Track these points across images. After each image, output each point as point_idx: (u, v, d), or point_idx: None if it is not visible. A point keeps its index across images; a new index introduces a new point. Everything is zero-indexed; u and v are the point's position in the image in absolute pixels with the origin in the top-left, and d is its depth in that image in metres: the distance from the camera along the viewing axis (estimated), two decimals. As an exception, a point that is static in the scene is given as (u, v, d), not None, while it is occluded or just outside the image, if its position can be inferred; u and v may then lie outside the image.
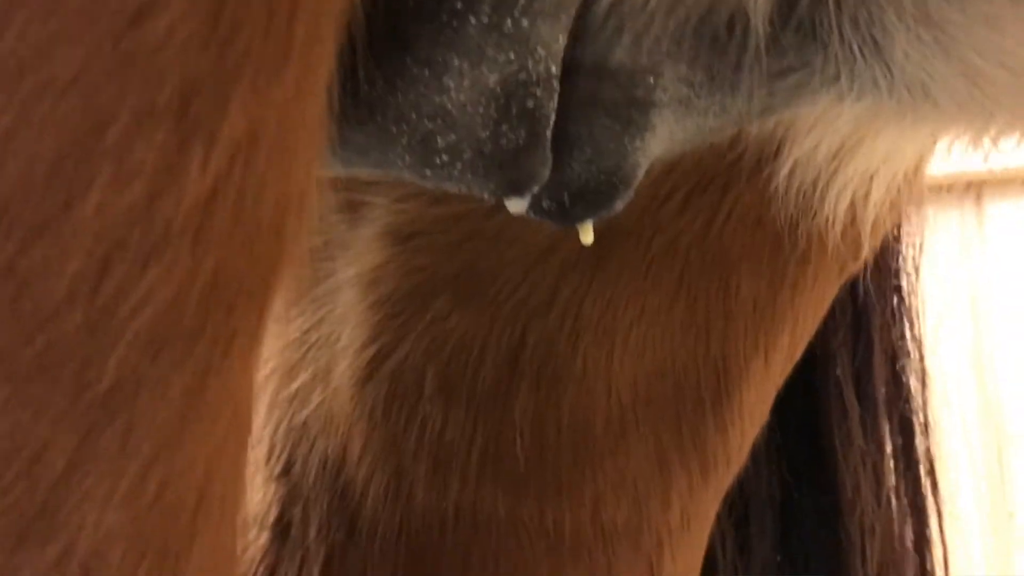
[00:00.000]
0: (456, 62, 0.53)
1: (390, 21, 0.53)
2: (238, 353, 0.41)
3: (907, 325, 1.16)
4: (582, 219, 0.60)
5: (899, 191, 0.74)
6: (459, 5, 0.52)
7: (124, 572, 0.38)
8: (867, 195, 0.69)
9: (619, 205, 0.61)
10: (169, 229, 0.37)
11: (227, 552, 0.44)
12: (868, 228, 0.74)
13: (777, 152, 0.70)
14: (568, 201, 0.59)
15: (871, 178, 0.68)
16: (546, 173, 0.57)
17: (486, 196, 0.57)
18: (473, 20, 0.52)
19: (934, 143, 0.69)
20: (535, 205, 0.60)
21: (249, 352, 0.42)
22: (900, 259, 1.15)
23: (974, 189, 2.02)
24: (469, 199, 0.76)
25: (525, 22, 0.52)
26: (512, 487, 0.77)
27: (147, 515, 0.39)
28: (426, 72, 0.53)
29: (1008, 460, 2.27)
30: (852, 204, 0.70)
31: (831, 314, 1.11)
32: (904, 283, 1.15)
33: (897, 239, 1.13)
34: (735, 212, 0.77)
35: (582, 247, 0.76)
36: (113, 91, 0.36)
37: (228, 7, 0.37)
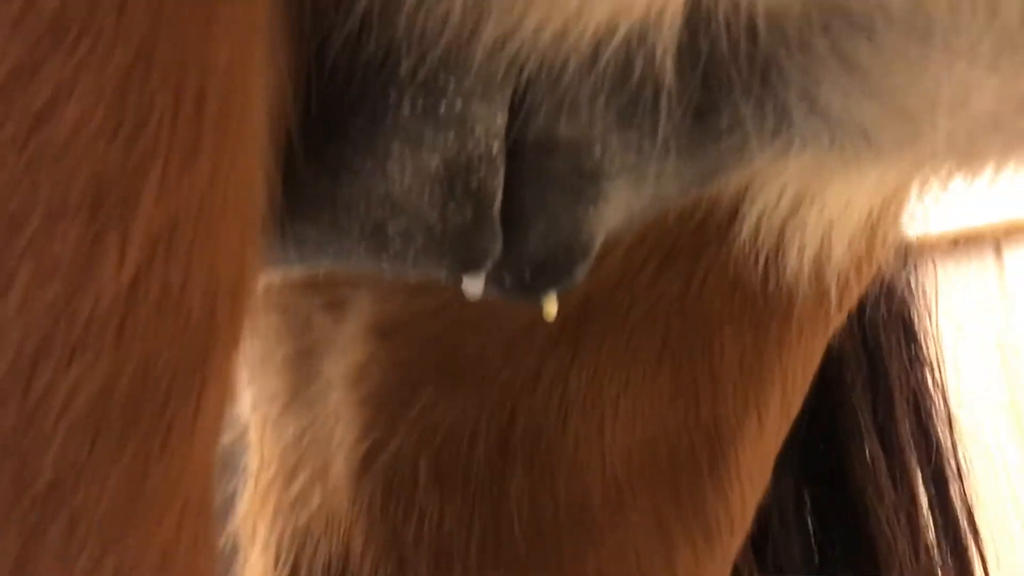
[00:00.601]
0: (396, 149, 0.53)
1: (327, 115, 0.53)
2: (179, 441, 0.41)
3: (928, 373, 1.14)
4: (544, 292, 0.60)
5: (868, 241, 0.73)
6: (392, 94, 0.52)
7: None
8: (829, 247, 0.68)
9: (580, 275, 0.61)
10: (90, 324, 0.38)
11: None
12: (838, 280, 0.73)
13: (738, 212, 0.70)
14: (529, 276, 0.59)
15: (831, 230, 0.67)
16: (497, 249, 0.58)
17: (443, 278, 0.58)
18: (408, 108, 0.52)
19: (893, 189, 0.68)
20: (498, 283, 0.60)
21: (192, 439, 0.42)
22: (913, 309, 1.14)
23: (992, 240, 2.00)
24: (446, 290, 0.77)
25: (459, 104, 0.53)
26: (514, 571, 0.76)
27: None
28: (368, 162, 0.53)
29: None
30: (818, 257, 0.70)
31: (846, 368, 1.10)
32: (919, 331, 1.13)
33: (909, 288, 1.12)
34: (710, 276, 0.76)
35: (562, 324, 0.76)
36: (25, 191, 0.36)
37: (131, 101, 0.38)
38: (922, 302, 1.13)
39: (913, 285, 1.14)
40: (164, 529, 0.41)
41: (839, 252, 0.69)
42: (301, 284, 0.79)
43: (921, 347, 1.12)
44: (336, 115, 0.53)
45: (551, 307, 0.63)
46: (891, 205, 0.72)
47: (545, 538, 0.76)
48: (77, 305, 0.38)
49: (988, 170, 0.59)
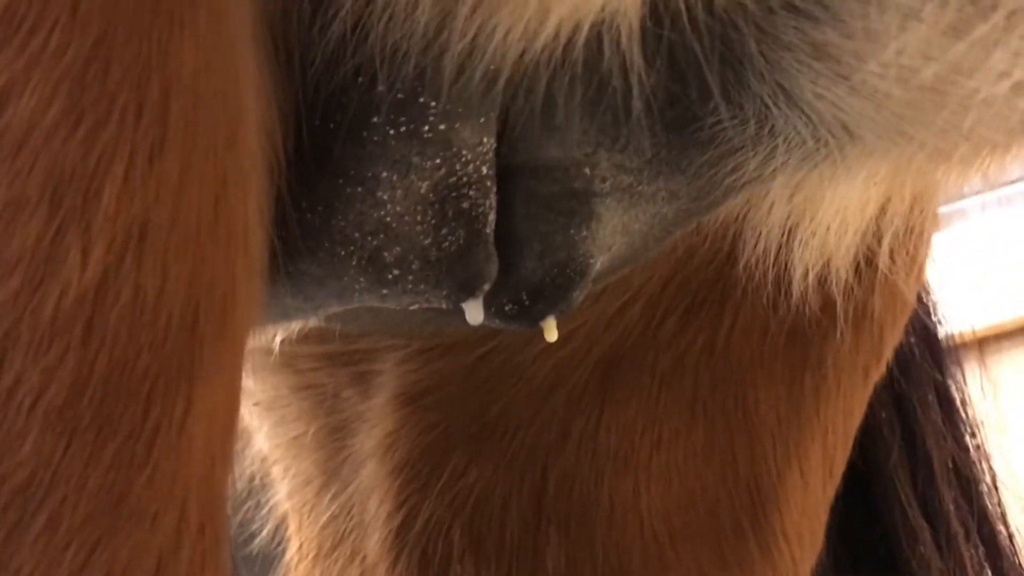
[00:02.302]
0: (385, 175, 0.53)
1: (316, 144, 0.53)
2: (166, 449, 0.39)
3: (968, 436, 1.11)
4: (543, 316, 0.59)
5: (874, 263, 0.71)
6: (376, 119, 0.52)
7: None
8: (833, 263, 0.66)
9: (577, 299, 0.59)
10: (55, 320, 0.37)
11: None
12: (867, 316, 0.71)
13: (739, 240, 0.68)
14: (527, 299, 0.58)
15: (831, 245, 0.66)
16: (493, 271, 0.57)
17: (443, 304, 0.57)
18: (392, 131, 0.52)
19: (887, 191, 0.66)
20: (498, 311, 0.58)
21: (180, 449, 0.40)
22: (946, 370, 1.11)
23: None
24: (469, 347, 0.75)
25: (443, 126, 0.52)
26: (556, 640, 0.73)
27: None
28: (359, 190, 0.53)
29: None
30: (824, 277, 0.68)
31: (881, 437, 1.07)
32: (955, 393, 1.10)
33: (935, 348, 1.09)
34: (738, 324, 0.74)
35: (586, 380, 0.74)
36: None
37: (90, 97, 0.37)
38: (955, 363, 1.10)
39: (946, 347, 1.11)
40: (159, 538, 0.40)
41: (844, 268, 0.67)
42: (325, 356, 0.77)
43: (957, 409, 1.09)
44: (325, 143, 0.53)
45: (551, 332, 0.61)
46: (893, 216, 0.70)
47: (586, 604, 0.73)
48: (41, 299, 0.37)
49: (983, 164, 0.58)
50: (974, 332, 1.14)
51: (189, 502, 0.41)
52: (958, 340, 1.10)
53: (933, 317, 1.11)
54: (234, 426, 0.44)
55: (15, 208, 0.37)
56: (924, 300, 1.08)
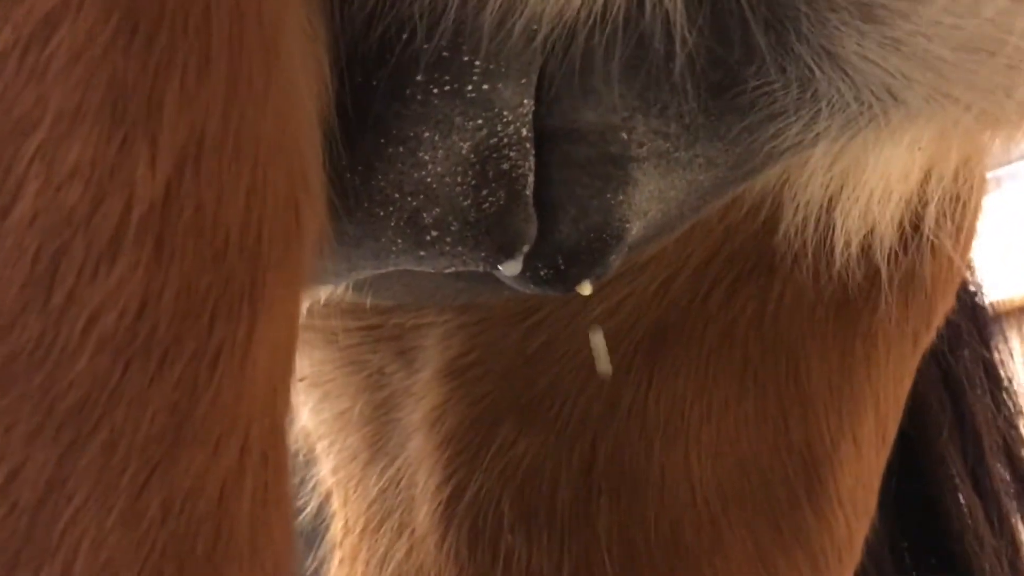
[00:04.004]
0: (428, 135, 0.52)
1: (359, 105, 0.51)
2: (230, 370, 0.38)
3: (1017, 413, 1.08)
4: (579, 281, 0.58)
5: (920, 230, 0.69)
6: (420, 77, 0.51)
7: None
8: (873, 230, 0.65)
9: (614, 263, 0.58)
10: (121, 234, 0.35)
11: None
12: (916, 283, 0.69)
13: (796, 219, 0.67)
14: (563, 264, 0.57)
15: (875, 212, 0.64)
16: (532, 232, 0.56)
17: (480, 267, 0.55)
18: (435, 89, 0.51)
19: (932, 157, 0.64)
20: (534, 276, 0.57)
21: (246, 370, 0.39)
22: (994, 347, 1.09)
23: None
24: (513, 321, 0.73)
25: (485, 86, 0.51)
26: (609, 609, 0.71)
27: (155, 540, 0.36)
28: (400, 149, 0.52)
29: None
30: (869, 244, 0.66)
31: (930, 416, 1.05)
32: (1003, 371, 1.08)
33: (982, 325, 1.07)
34: (787, 294, 0.73)
35: (634, 350, 0.73)
36: (30, 97, 0.34)
37: (143, 6, 0.36)
38: (1003, 340, 1.08)
39: (993, 324, 1.09)
40: (222, 462, 0.38)
41: (889, 236, 0.66)
42: (368, 331, 0.76)
43: (1006, 386, 1.07)
44: (366, 101, 0.52)
45: (585, 289, 0.60)
46: (939, 183, 0.68)
47: (639, 572, 0.71)
48: (104, 213, 0.35)
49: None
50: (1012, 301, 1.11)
51: (252, 429, 0.39)
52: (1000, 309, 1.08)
53: (978, 293, 1.09)
54: (293, 360, 0.43)
55: (72, 119, 0.35)
56: (969, 275, 1.06)
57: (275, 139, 0.40)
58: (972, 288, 1.08)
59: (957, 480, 1.03)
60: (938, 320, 0.79)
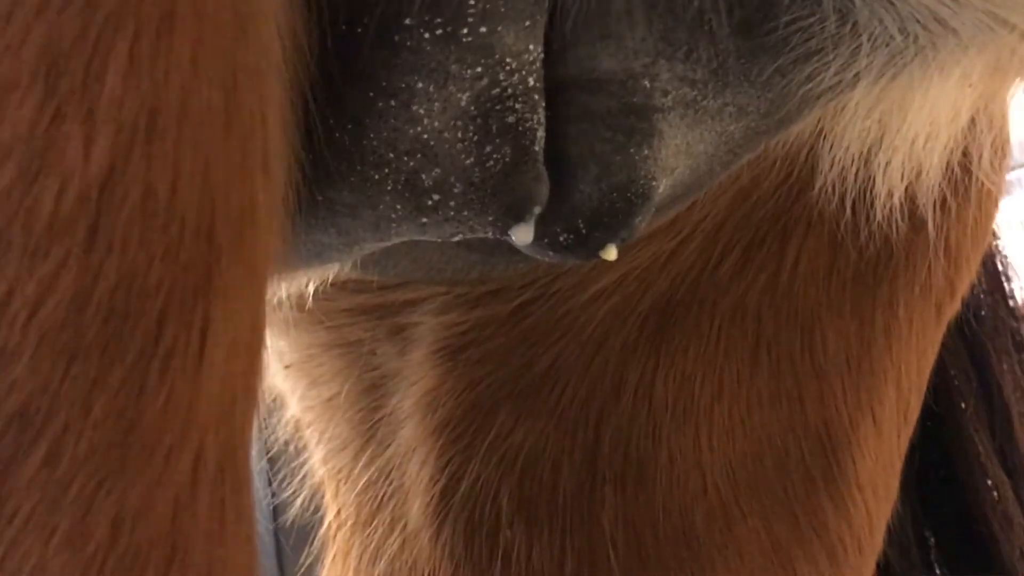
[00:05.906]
0: (421, 86, 0.45)
1: (343, 55, 0.46)
2: (183, 373, 0.34)
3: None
4: (602, 246, 0.52)
5: (964, 179, 0.63)
6: (409, 20, 0.45)
7: None
8: (919, 175, 0.59)
9: (640, 225, 0.52)
10: (54, 220, 0.31)
11: None
12: (946, 247, 0.64)
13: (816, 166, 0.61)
14: (584, 228, 0.51)
15: (918, 164, 0.58)
16: (544, 192, 0.49)
17: (489, 232, 0.49)
18: (427, 34, 0.45)
19: (980, 97, 0.58)
20: (552, 242, 0.51)
21: (201, 373, 0.34)
22: (1021, 318, 1.03)
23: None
24: (512, 293, 0.68)
25: (483, 29, 0.45)
26: (615, 605, 0.66)
27: (103, 563, 0.32)
28: (392, 103, 0.46)
29: None
30: (908, 191, 0.60)
31: (956, 391, 0.99)
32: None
33: (1007, 295, 1.02)
34: (802, 262, 0.67)
35: (640, 326, 0.67)
36: None
37: None
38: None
39: (1019, 296, 1.03)
40: (174, 479, 0.34)
41: (924, 193, 0.60)
42: (359, 310, 0.71)
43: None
44: (352, 51, 0.46)
45: (610, 253, 0.54)
46: (988, 127, 0.62)
47: (647, 567, 0.66)
48: (38, 195, 0.31)
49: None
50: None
51: (207, 439, 0.35)
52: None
53: (1004, 261, 1.04)
54: (259, 360, 0.38)
55: (5, 89, 0.31)
56: (992, 243, 1.01)
57: (233, 113, 0.35)
58: (996, 253, 1.02)
59: (983, 458, 0.98)
60: (963, 288, 0.73)
